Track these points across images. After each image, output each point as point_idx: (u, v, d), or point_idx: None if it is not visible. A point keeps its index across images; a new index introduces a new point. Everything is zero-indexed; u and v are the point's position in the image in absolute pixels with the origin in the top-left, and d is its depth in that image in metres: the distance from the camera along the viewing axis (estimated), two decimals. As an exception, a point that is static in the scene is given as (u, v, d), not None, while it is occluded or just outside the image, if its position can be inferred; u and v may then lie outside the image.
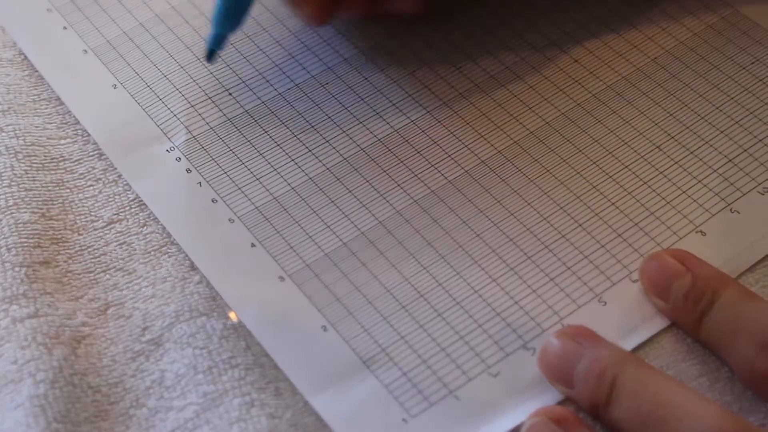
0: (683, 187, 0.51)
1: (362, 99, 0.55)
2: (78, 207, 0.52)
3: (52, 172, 0.53)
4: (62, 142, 0.55)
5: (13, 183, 0.52)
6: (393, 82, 0.56)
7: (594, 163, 0.52)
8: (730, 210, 0.50)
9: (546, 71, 0.56)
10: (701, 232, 0.49)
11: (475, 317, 0.47)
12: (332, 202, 0.51)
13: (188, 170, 0.53)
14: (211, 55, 0.54)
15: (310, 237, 0.50)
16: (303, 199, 0.51)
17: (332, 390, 0.45)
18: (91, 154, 0.54)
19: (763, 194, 0.50)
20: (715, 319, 0.44)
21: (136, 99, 0.56)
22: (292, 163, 0.53)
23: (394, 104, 0.55)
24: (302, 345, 0.46)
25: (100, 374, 0.46)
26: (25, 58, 0.58)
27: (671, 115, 0.54)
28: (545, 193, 0.51)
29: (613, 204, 0.50)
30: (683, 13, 0.59)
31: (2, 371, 0.46)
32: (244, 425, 0.44)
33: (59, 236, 0.51)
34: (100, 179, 0.53)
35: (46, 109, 0.56)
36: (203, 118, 0.55)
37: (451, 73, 0.56)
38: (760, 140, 0.52)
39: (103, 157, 0.54)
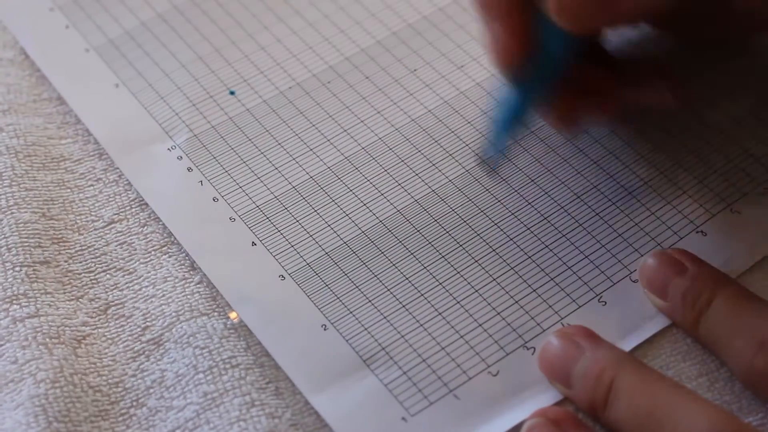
0: (684, 187, 0.51)
1: (364, 98, 0.55)
2: (78, 207, 0.52)
3: (53, 171, 0.53)
4: (63, 141, 0.55)
5: (13, 183, 0.52)
6: (395, 81, 0.56)
7: (594, 162, 0.52)
8: (731, 210, 0.50)
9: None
10: (702, 232, 0.49)
11: (475, 316, 0.47)
12: (333, 201, 0.51)
13: (189, 169, 0.53)
14: (491, 160, 0.48)
15: (310, 236, 0.50)
16: (304, 198, 0.51)
17: (332, 388, 0.45)
18: (91, 154, 0.54)
19: (763, 194, 0.50)
20: (713, 318, 0.44)
21: (138, 98, 0.56)
22: (293, 161, 0.53)
23: (395, 103, 0.55)
24: (302, 343, 0.46)
25: (101, 374, 0.46)
26: (26, 57, 0.59)
27: (671, 114, 0.54)
28: (546, 192, 0.51)
29: (613, 204, 0.50)
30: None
31: (2, 371, 0.46)
32: (244, 425, 0.44)
33: (60, 236, 0.51)
34: (100, 179, 0.53)
35: (46, 109, 0.56)
36: (204, 117, 0.55)
37: (451, 72, 0.56)
38: (761, 140, 0.52)
39: (103, 157, 0.54)
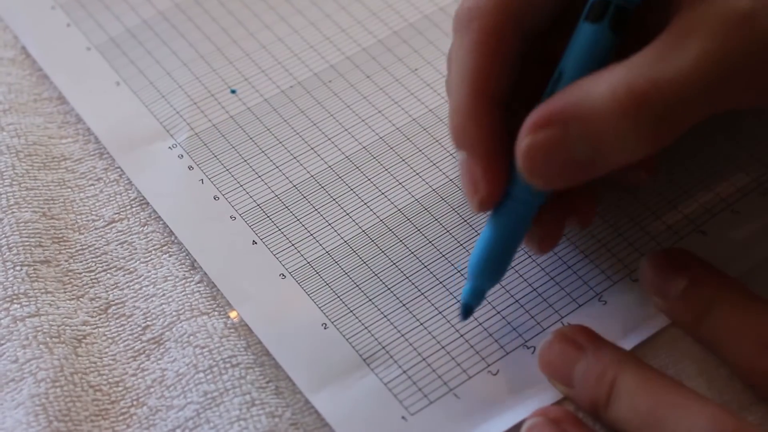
0: (684, 186, 0.51)
1: (365, 97, 0.55)
2: (79, 206, 0.52)
3: (54, 171, 0.53)
4: (63, 141, 0.55)
5: (14, 182, 0.52)
6: (396, 81, 0.56)
7: (595, 161, 0.52)
8: (731, 210, 0.50)
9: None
10: (702, 231, 0.49)
11: (476, 315, 0.47)
12: (333, 199, 0.51)
13: (190, 167, 0.53)
14: (467, 311, 0.45)
15: (311, 234, 0.50)
16: (304, 197, 0.51)
17: (332, 387, 0.45)
18: (92, 153, 0.54)
19: (764, 195, 0.50)
20: (714, 318, 0.44)
21: (139, 96, 0.56)
22: (294, 160, 0.53)
23: (396, 102, 0.55)
24: (302, 342, 0.47)
25: (101, 373, 0.46)
26: (27, 57, 0.59)
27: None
28: (546, 192, 0.51)
29: (614, 203, 0.50)
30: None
31: (3, 370, 0.46)
32: (244, 424, 0.44)
33: (60, 235, 0.51)
34: (101, 178, 0.53)
35: (47, 108, 0.56)
36: (205, 115, 0.55)
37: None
38: (760, 141, 0.52)
39: (104, 157, 0.54)
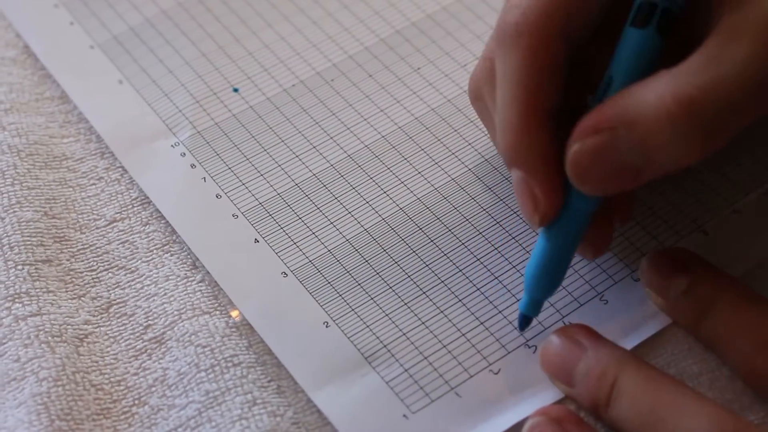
0: (686, 187, 0.51)
1: (367, 96, 0.56)
2: (80, 205, 0.52)
3: (55, 170, 0.53)
4: (65, 140, 0.55)
5: (15, 181, 0.52)
6: (398, 79, 0.56)
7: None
8: (733, 210, 0.50)
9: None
10: (703, 231, 0.49)
11: (477, 314, 0.47)
12: (335, 198, 0.51)
13: (193, 165, 0.53)
14: (525, 323, 0.46)
15: (313, 233, 0.50)
16: (306, 195, 0.52)
17: (333, 385, 0.45)
18: (93, 152, 0.54)
19: (765, 195, 0.50)
20: (715, 318, 0.44)
21: (142, 94, 0.56)
22: (296, 159, 0.53)
23: (398, 101, 0.55)
24: (304, 340, 0.47)
25: (103, 372, 0.47)
26: (29, 56, 0.59)
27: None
28: (548, 191, 0.51)
29: (615, 202, 0.50)
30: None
31: (5, 369, 0.46)
32: (246, 423, 0.44)
33: (62, 234, 0.51)
34: (102, 178, 0.53)
35: (48, 107, 0.56)
36: (208, 114, 0.55)
37: (455, 71, 0.56)
38: (764, 141, 0.52)
39: (105, 156, 0.54)
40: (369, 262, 0.49)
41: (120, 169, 0.53)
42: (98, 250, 0.51)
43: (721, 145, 0.39)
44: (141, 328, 0.48)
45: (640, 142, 0.39)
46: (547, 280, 0.45)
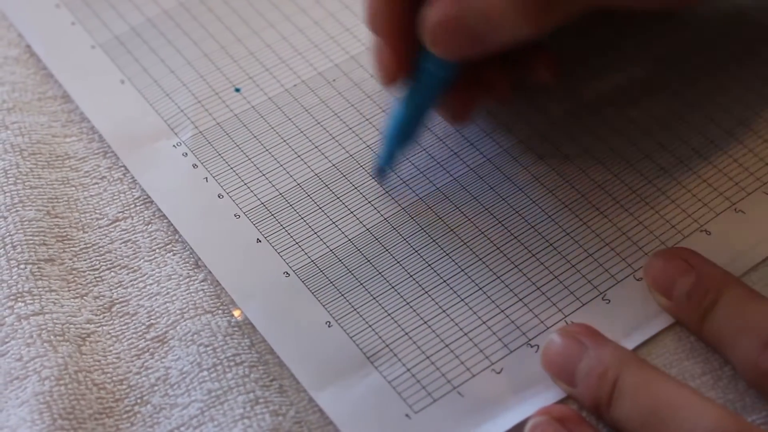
0: (688, 186, 0.51)
1: (369, 96, 0.56)
2: (83, 205, 0.52)
3: (58, 169, 0.53)
4: (67, 140, 0.55)
5: (18, 181, 0.52)
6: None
7: (599, 162, 0.52)
8: (735, 210, 0.50)
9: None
10: (706, 231, 0.49)
11: (479, 314, 0.47)
12: (338, 198, 0.51)
13: (195, 165, 0.53)
14: (381, 173, 0.51)
15: (315, 233, 0.50)
16: (308, 195, 0.52)
17: (336, 385, 0.45)
18: (96, 152, 0.54)
19: (767, 194, 0.50)
20: (718, 317, 0.44)
21: (143, 94, 0.56)
22: (298, 159, 0.53)
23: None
24: (306, 340, 0.47)
25: (105, 371, 0.47)
26: (31, 56, 0.59)
27: (677, 115, 0.54)
28: (550, 191, 0.51)
29: (617, 202, 0.50)
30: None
31: (7, 368, 0.46)
32: (248, 422, 0.44)
33: (64, 234, 0.51)
34: (105, 177, 0.53)
35: (51, 107, 0.56)
36: (210, 114, 0.55)
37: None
38: (766, 141, 0.52)
39: (108, 155, 0.54)
40: (371, 261, 0.49)
41: (122, 168, 0.54)
42: (101, 249, 0.51)
43: (549, 24, 0.44)
44: (143, 327, 0.48)
45: (483, 9, 0.43)
46: (402, 136, 0.50)
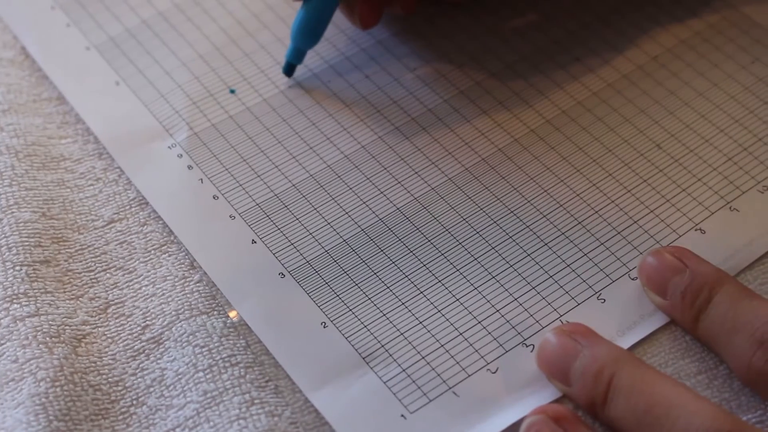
0: (683, 185, 0.51)
1: (363, 96, 0.56)
2: (78, 206, 0.52)
3: (53, 171, 0.53)
4: (63, 141, 0.55)
5: (13, 182, 0.52)
6: (395, 80, 0.56)
7: (594, 161, 0.52)
8: (730, 208, 0.50)
9: (545, 69, 0.56)
10: (700, 230, 0.49)
11: (474, 314, 0.47)
12: (333, 198, 0.51)
13: (190, 167, 0.53)
14: (289, 69, 0.56)
15: (310, 234, 0.50)
16: (303, 196, 0.52)
17: (331, 386, 0.45)
18: (91, 153, 0.54)
19: (762, 192, 0.50)
20: (712, 316, 0.44)
21: (138, 95, 0.56)
22: (293, 160, 0.53)
23: (395, 101, 0.55)
24: (302, 341, 0.47)
25: (101, 372, 0.47)
26: (26, 57, 0.59)
27: (671, 113, 0.54)
28: (545, 191, 0.51)
29: (612, 201, 0.50)
30: (684, 12, 0.59)
31: (3, 370, 0.46)
32: (243, 423, 0.44)
33: (60, 235, 0.51)
34: (100, 178, 0.53)
35: (46, 108, 0.56)
36: (205, 115, 0.55)
37: (452, 71, 0.57)
38: (760, 139, 0.52)
39: (103, 157, 0.54)
40: (366, 262, 0.49)
41: (117, 169, 0.54)
42: (96, 250, 0.51)
43: None
44: (139, 328, 0.48)
45: None
46: (308, 34, 0.54)
